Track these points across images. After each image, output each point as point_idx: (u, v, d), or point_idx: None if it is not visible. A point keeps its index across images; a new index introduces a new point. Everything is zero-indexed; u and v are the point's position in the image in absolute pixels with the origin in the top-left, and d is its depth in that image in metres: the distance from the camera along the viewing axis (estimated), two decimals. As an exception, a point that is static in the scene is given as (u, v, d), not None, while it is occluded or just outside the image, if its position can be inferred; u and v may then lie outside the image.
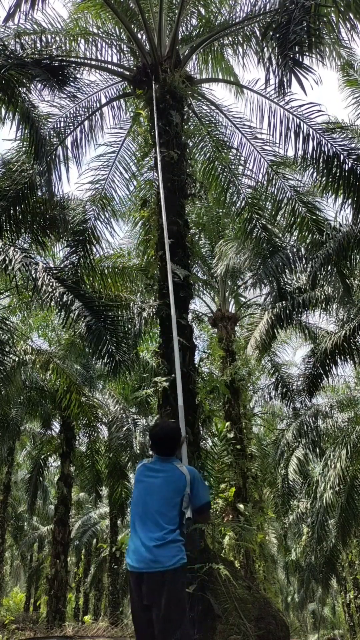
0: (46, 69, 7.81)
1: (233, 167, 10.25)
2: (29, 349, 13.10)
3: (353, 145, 8.61)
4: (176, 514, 3.34)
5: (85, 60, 9.70)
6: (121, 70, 9.74)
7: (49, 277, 7.78)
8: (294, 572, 26.21)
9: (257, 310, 14.86)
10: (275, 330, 11.60)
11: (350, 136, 8.90)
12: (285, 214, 9.81)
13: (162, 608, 3.11)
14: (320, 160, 8.60)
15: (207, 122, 10.27)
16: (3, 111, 7.95)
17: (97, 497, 17.86)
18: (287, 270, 9.91)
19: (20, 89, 7.67)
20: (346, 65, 10.96)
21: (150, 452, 3.80)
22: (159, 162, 7.19)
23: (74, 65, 8.97)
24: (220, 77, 10.67)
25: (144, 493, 3.45)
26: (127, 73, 9.45)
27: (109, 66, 9.74)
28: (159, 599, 3.13)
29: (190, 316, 7.65)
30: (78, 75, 9.09)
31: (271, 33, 6.37)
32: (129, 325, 10.69)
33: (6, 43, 8.11)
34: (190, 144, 9.90)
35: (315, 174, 8.94)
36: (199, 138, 10.32)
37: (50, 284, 7.69)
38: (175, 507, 3.36)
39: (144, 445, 16.04)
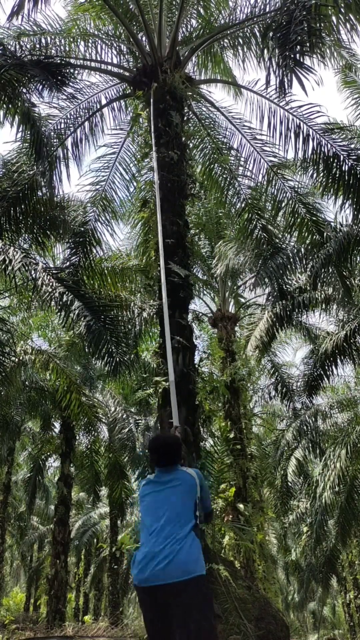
0: (46, 71, 7.81)
1: (233, 167, 10.25)
2: (29, 349, 13.09)
3: (353, 145, 8.61)
4: (191, 517, 3.25)
5: (85, 62, 9.70)
6: (121, 71, 9.75)
7: (48, 277, 7.78)
8: (294, 572, 26.23)
9: (257, 310, 14.87)
10: (275, 330, 11.61)
11: (350, 137, 8.91)
12: (285, 215, 9.81)
13: (186, 621, 2.96)
14: (320, 160, 8.61)
15: (207, 123, 10.28)
16: (2, 112, 7.96)
17: (96, 498, 17.85)
18: (287, 271, 9.91)
19: (20, 89, 7.67)
20: (346, 67, 10.97)
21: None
22: (154, 163, 7.20)
23: (73, 66, 8.97)
24: (220, 78, 10.67)
25: (153, 506, 3.33)
26: (127, 74, 9.46)
27: (109, 67, 9.75)
28: (178, 612, 2.99)
29: (190, 316, 7.65)
30: (78, 77, 9.10)
31: (271, 34, 6.38)
32: (129, 326, 10.69)
33: (6, 44, 8.12)
34: (190, 144, 9.90)
35: (315, 175, 8.95)
36: (199, 139, 10.32)
37: (50, 284, 7.69)
38: (190, 510, 3.27)
39: (145, 446, 16.02)
